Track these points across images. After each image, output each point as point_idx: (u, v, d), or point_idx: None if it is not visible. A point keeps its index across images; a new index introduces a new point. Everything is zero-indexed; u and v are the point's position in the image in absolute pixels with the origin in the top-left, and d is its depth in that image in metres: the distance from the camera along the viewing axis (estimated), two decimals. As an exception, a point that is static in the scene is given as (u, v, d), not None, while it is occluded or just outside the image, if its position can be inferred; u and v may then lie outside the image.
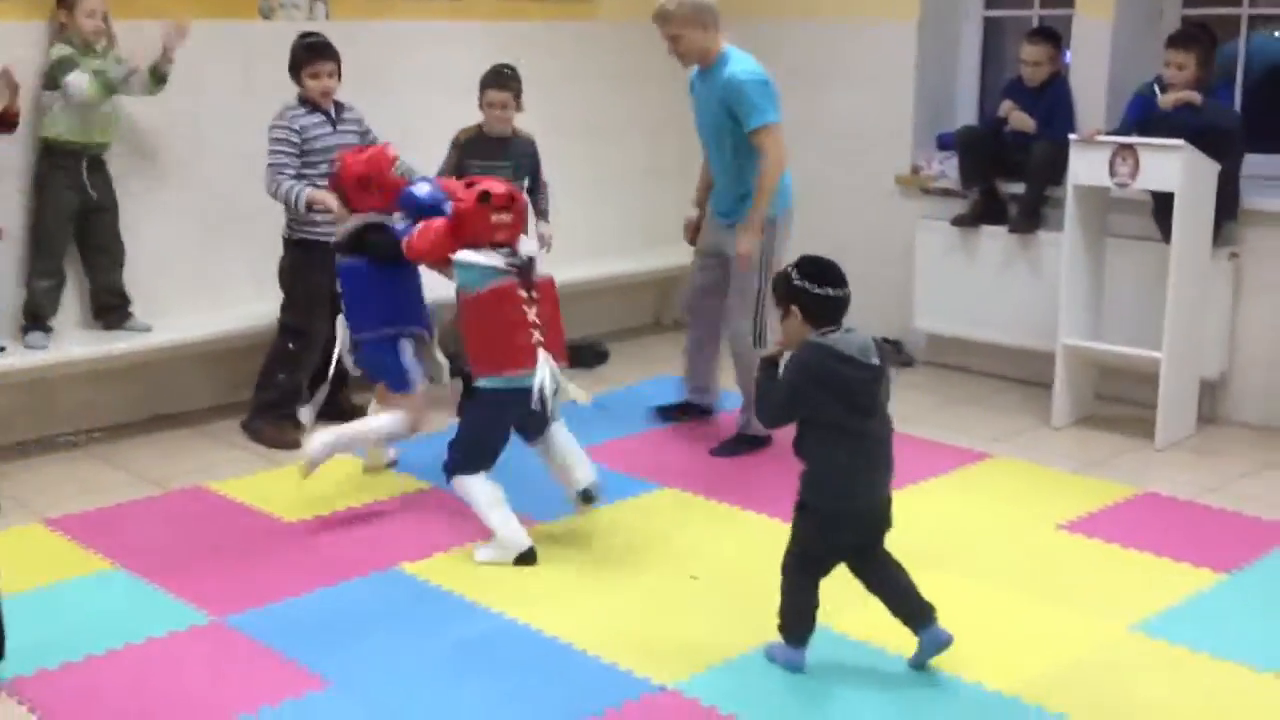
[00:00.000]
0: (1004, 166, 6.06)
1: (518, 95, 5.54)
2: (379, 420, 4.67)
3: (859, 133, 6.69)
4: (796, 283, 3.31)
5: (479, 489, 4.22)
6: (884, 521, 3.42)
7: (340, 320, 4.70)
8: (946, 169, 6.35)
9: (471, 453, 4.25)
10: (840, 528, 3.37)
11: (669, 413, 5.61)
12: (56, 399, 5.40)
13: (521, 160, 5.62)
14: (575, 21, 6.78)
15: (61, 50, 5.00)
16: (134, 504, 4.67)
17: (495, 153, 5.56)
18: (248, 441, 5.34)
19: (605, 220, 7.02)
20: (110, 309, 5.36)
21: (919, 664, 3.46)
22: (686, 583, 4.03)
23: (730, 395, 5.48)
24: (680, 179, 7.47)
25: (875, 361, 3.27)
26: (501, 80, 5.52)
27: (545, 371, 4.13)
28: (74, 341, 5.23)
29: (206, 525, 4.48)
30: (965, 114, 6.60)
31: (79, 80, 4.94)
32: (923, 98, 6.55)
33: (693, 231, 5.44)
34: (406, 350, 4.65)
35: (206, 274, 5.66)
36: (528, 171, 5.66)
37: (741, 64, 4.86)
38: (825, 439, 3.29)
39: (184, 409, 5.67)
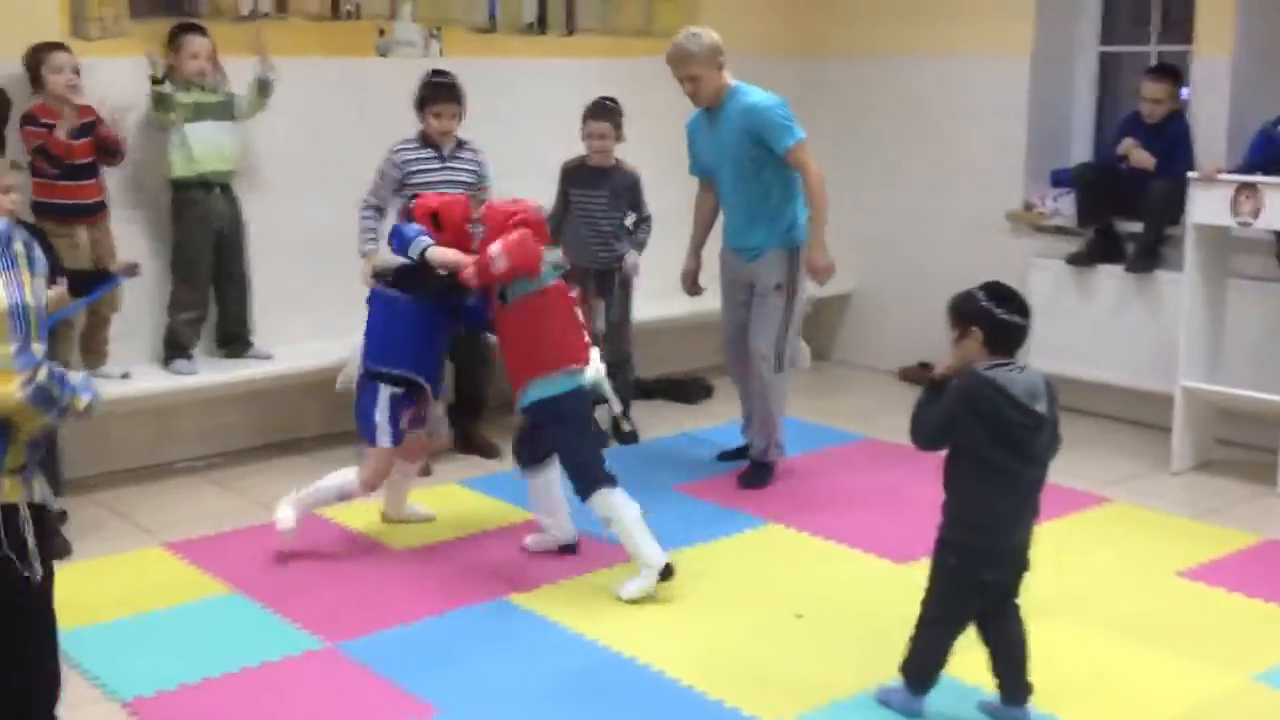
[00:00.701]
0: (1121, 204, 5.95)
1: (618, 126, 5.61)
2: (333, 477, 4.47)
3: (970, 168, 6.63)
4: (984, 304, 3.19)
5: (623, 504, 4.14)
6: (1024, 562, 3.31)
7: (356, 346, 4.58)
8: (1061, 206, 6.25)
9: (594, 462, 4.19)
10: (983, 566, 3.24)
11: (731, 456, 5.49)
12: (177, 425, 5.54)
13: (620, 191, 5.67)
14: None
15: (159, 90, 5.13)
16: (250, 530, 4.76)
17: (595, 183, 5.64)
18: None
19: (711, 254, 7.01)
20: (234, 338, 5.50)
21: (988, 712, 3.38)
22: (792, 620, 3.99)
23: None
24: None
25: (1041, 409, 3.15)
26: (601, 111, 5.60)
27: (598, 367, 4.24)
28: (200, 369, 5.37)
29: (321, 553, 4.55)
30: (1080, 150, 6.50)
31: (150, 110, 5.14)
32: (1036, 133, 6.47)
33: (692, 280, 5.46)
34: (383, 400, 4.37)
35: (322, 304, 5.76)
36: (627, 203, 5.70)
37: (756, 93, 4.95)
38: (975, 472, 3.19)
39: (298, 436, 5.79)
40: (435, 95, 5.31)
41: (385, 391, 4.36)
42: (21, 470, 2.41)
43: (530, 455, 4.42)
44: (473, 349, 5.44)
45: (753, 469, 5.22)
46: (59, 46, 4.93)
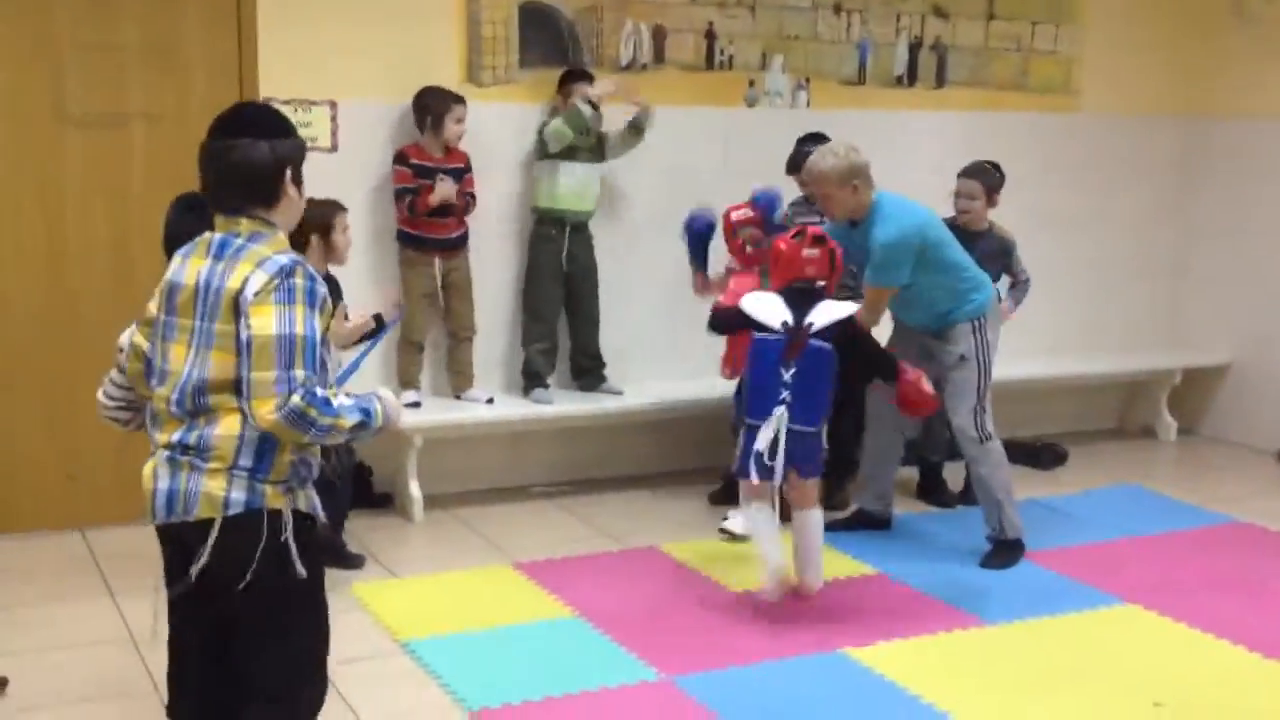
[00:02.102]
0: None
1: (990, 189, 5.38)
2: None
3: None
4: None
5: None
6: None
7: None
8: None
9: None
10: None
11: (841, 525, 5.14)
12: (531, 452, 5.80)
13: (992, 256, 5.38)
14: (1057, 114, 6.62)
15: (548, 120, 5.43)
16: (594, 557, 4.91)
17: (962, 244, 5.45)
18: (697, 508, 5.51)
19: (1075, 316, 6.76)
20: (586, 371, 5.72)
21: None
22: (1148, 708, 3.74)
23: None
24: (1167, 278, 7.11)
25: None
26: (972, 171, 5.42)
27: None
28: (555, 400, 5.58)
29: (658, 585, 4.64)
30: None
31: (554, 123, 5.36)
32: None
33: None
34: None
35: (675, 342, 5.90)
36: (1000, 268, 5.48)
37: (888, 223, 4.63)
38: None
39: (643, 471, 5.94)
40: (794, 168, 5.29)
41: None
42: (283, 482, 2.61)
43: None
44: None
45: (996, 549, 4.90)
46: (459, 98, 5.28)
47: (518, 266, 5.65)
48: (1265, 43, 6.48)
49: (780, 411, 4.16)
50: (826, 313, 4.24)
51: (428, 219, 5.26)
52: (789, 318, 4.23)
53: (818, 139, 5.25)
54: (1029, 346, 5.91)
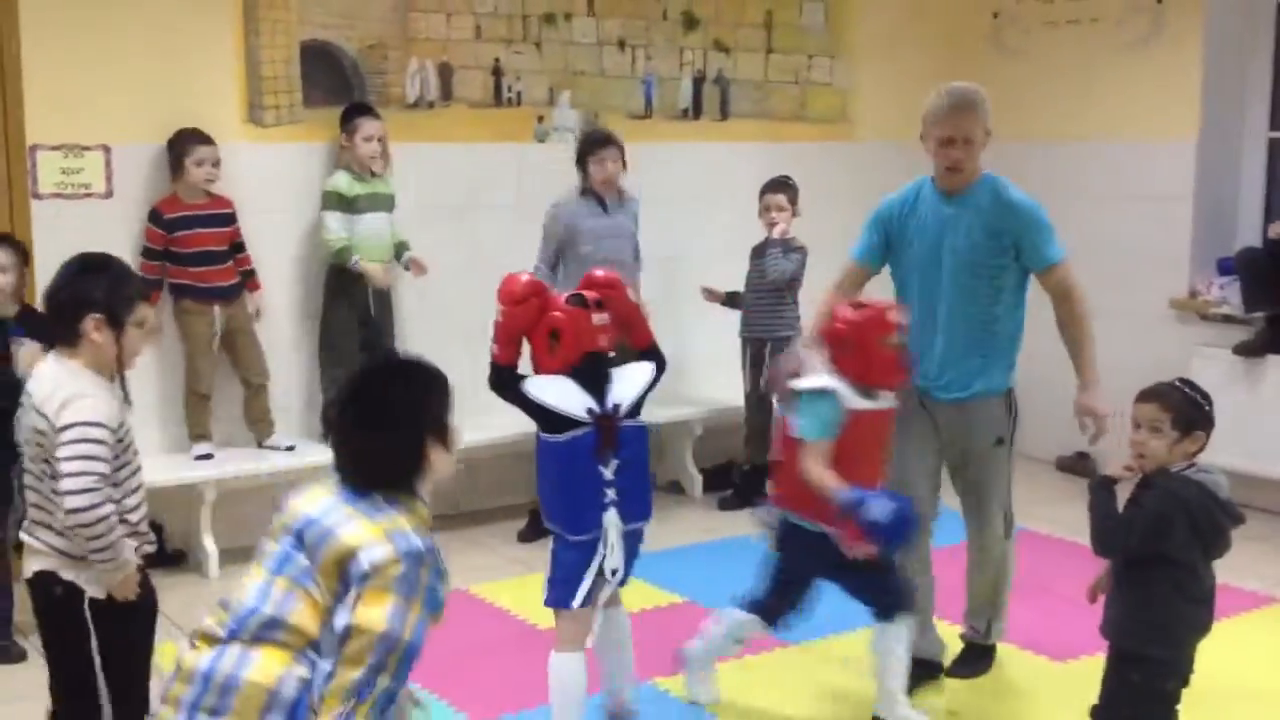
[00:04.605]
0: (1288, 291, 5.73)
1: (793, 200, 5.84)
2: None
3: (1135, 255, 6.47)
4: (1208, 409, 3.11)
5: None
6: (1192, 669, 3.17)
7: None
8: (1228, 294, 6.06)
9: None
10: (1166, 677, 3.12)
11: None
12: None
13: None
14: (835, 143, 6.85)
15: (335, 183, 5.32)
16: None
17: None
18: (508, 548, 5.48)
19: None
20: (388, 416, 5.62)
21: None
22: (944, 718, 3.87)
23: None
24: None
25: (1235, 508, 3.08)
26: (774, 184, 5.86)
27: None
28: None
29: (468, 628, 4.57)
30: (1247, 237, 6.30)
31: (332, 234, 5.28)
32: (1202, 220, 6.30)
33: None
34: None
35: (478, 384, 5.84)
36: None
37: (1015, 189, 3.93)
38: (1170, 579, 3.05)
39: (449, 512, 5.86)
40: (593, 144, 5.45)
41: None
42: None
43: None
44: None
45: (973, 654, 4.22)
46: (204, 139, 5.10)
47: (311, 307, 5.52)
48: (1024, 72, 6.85)
49: (611, 516, 3.48)
50: (629, 384, 3.56)
51: (195, 269, 5.11)
52: (592, 404, 3.49)
53: (599, 128, 5.58)
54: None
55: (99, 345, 2.95)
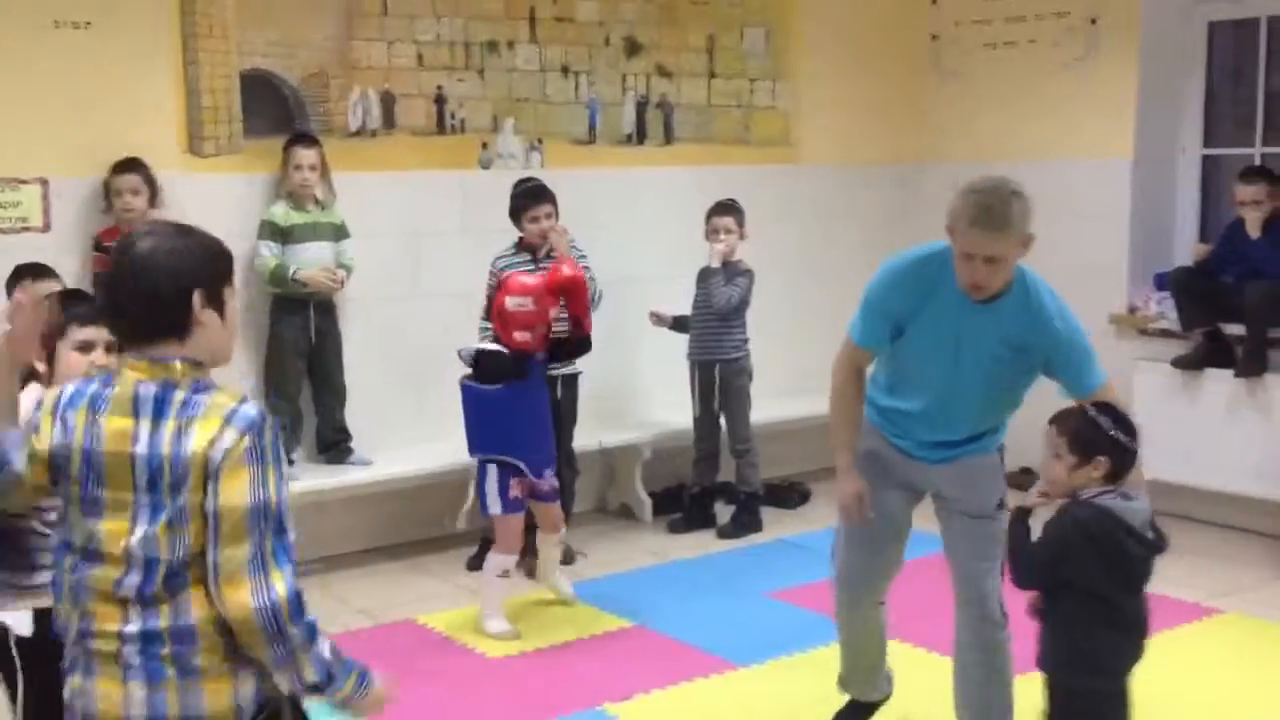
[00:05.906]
0: (1221, 308, 5.85)
1: (740, 222, 5.92)
2: (486, 568, 4.86)
3: (1073, 271, 6.44)
4: (1112, 433, 3.00)
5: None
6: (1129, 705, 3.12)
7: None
8: (1165, 309, 6.15)
9: None
10: (1106, 706, 3.06)
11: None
12: (279, 529, 5.62)
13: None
14: (778, 165, 6.90)
15: (272, 212, 5.31)
16: (346, 635, 4.77)
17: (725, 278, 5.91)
18: (457, 576, 5.45)
19: (809, 357, 7.00)
20: (333, 444, 5.60)
21: None
22: None
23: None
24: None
25: (1152, 537, 3.01)
26: (722, 207, 5.94)
27: None
28: (302, 474, 5.43)
29: (416, 659, 4.56)
30: (1183, 253, 6.40)
31: (262, 260, 5.27)
32: (1139, 236, 6.40)
33: (864, 503, 3.57)
34: (490, 474, 4.73)
35: (424, 410, 5.85)
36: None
37: (1048, 294, 3.51)
38: (1087, 611, 2.99)
39: (395, 542, 5.84)
40: (528, 200, 5.42)
41: (492, 467, 4.72)
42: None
43: None
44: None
45: None
46: (133, 167, 5.03)
47: (253, 337, 5.49)
48: (963, 92, 6.93)
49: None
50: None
51: None
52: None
53: (532, 178, 5.55)
54: (766, 390, 6.11)
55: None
